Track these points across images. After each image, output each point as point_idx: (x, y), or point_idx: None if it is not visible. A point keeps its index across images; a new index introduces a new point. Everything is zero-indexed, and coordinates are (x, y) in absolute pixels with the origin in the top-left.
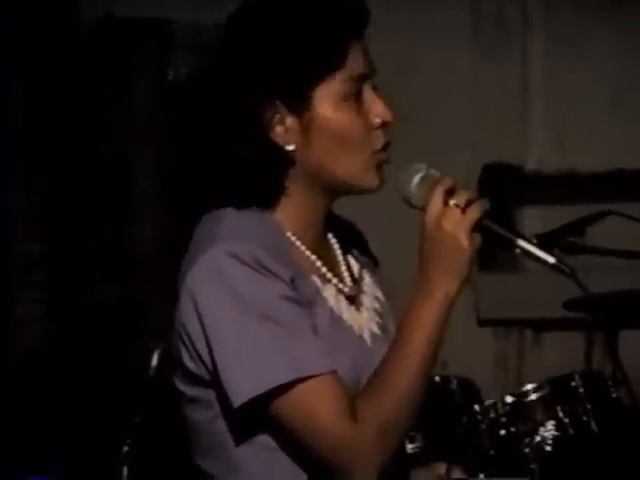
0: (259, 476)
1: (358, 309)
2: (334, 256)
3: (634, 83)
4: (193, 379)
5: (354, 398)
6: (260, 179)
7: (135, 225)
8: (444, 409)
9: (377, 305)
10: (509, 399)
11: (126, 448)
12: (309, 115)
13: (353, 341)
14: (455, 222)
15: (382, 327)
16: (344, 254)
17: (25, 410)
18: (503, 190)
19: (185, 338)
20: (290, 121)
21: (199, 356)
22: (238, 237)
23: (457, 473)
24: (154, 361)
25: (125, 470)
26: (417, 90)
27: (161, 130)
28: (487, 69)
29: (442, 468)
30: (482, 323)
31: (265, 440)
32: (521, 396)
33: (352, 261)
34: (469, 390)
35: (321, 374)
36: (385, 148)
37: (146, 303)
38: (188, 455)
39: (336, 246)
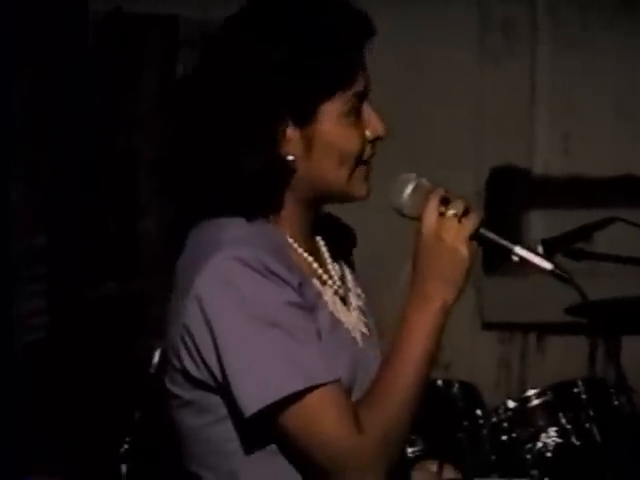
0: None
1: (349, 309)
2: (324, 258)
3: None
4: (193, 382)
5: (356, 407)
6: (263, 189)
7: (140, 220)
8: (445, 413)
9: (360, 303)
10: (511, 404)
11: (125, 446)
12: (312, 128)
13: (349, 342)
14: (453, 232)
15: (367, 326)
16: (331, 255)
17: (25, 405)
18: (510, 194)
19: (189, 342)
20: (292, 132)
21: (204, 362)
22: (245, 242)
23: (449, 472)
24: (155, 358)
25: (124, 468)
26: (424, 94)
27: (166, 126)
28: (494, 73)
29: (434, 466)
30: (486, 327)
31: (268, 448)
32: (523, 401)
33: (337, 261)
34: (471, 394)
35: (328, 383)
36: (368, 161)
37: (149, 298)
38: (180, 459)
39: (324, 248)
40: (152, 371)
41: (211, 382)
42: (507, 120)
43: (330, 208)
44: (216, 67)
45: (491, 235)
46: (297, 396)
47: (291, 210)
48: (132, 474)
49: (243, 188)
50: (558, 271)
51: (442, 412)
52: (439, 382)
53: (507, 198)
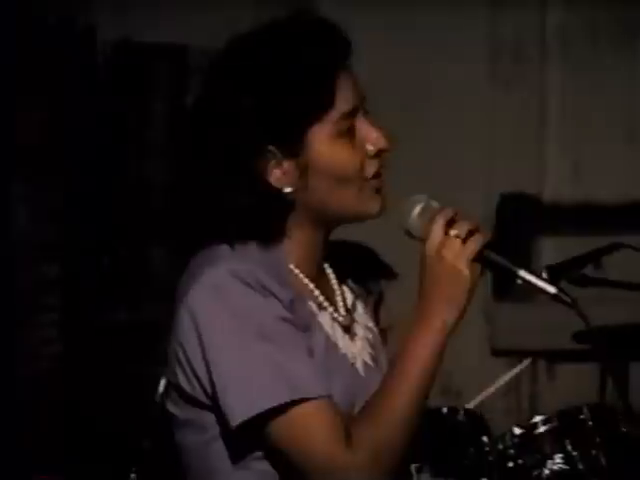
0: None
1: (352, 339)
2: (330, 286)
3: None
4: (188, 401)
5: (349, 423)
6: (260, 223)
7: (150, 247)
8: (451, 440)
9: (370, 335)
10: (517, 431)
11: (133, 475)
12: (305, 157)
13: (347, 369)
14: (455, 252)
15: (374, 358)
16: (339, 284)
17: (35, 433)
18: (520, 220)
19: (182, 358)
20: (287, 164)
21: (196, 377)
22: (239, 258)
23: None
24: (161, 387)
25: None
26: (433, 119)
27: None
28: (504, 98)
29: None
30: (496, 353)
31: (261, 465)
32: (530, 428)
33: (347, 291)
34: (476, 421)
35: (317, 397)
36: (377, 175)
37: (158, 326)
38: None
39: (332, 276)
40: (158, 399)
41: (204, 398)
42: (517, 145)
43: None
44: (201, 110)
45: (495, 257)
46: (284, 409)
47: (295, 239)
48: None
49: (238, 220)
50: (562, 295)
51: (448, 439)
52: (444, 409)
53: (517, 224)
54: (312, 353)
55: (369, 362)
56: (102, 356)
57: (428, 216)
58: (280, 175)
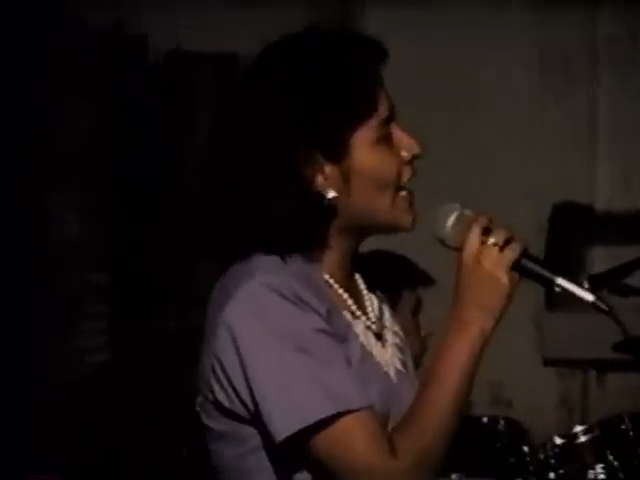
0: None
1: (383, 345)
2: (360, 293)
3: None
4: (225, 414)
5: (390, 433)
6: (303, 230)
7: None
8: (491, 450)
9: (397, 340)
10: (558, 441)
11: None
12: (347, 162)
13: (381, 377)
14: (493, 260)
15: (403, 363)
16: (368, 291)
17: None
18: (572, 230)
19: (219, 371)
20: (329, 170)
21: (234, 391)
22: (275, 271)
23: None
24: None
25: None
26: (483, 130)
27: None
28: (554, 108)
29: None
30: (547, 363)
31: (300, 477)
32: (571, 438)
33: (374, 298)
34: (517, 431)
35: (359, 408)
36: (407, 185)
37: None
38: None
39: (361, 284)
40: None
41: (242, 412)
42: (568, 155)
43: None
44: (242, 116)
45: (532, 265)
46: (328, 421)
47: (332, 246)
48: None
49: (281, 231)
50: (599, 303)
51: (488, 449)
52: (484, 419)
53: (569, 234)
54: (350, 363)
55: (400, 368)
56: (149, 363)
57: (463, 225)
58: (323, 180)
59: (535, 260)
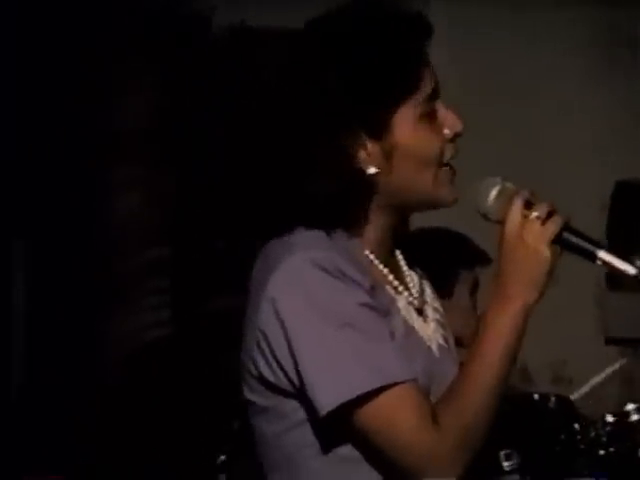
0: None
1: (425, 320)
2: (401, 269)
3: None
4: (269, 388)
5: (434, 405)
6: (344, 206)
7: None
8: (542, 427)
9: (438, 316)
10: (610, 419)
11: (223, 457)
12: (390, 139)
13: (424, 351)
14: (535, 234)
15: (445, 338)
16: (409, 268)
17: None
18: (635, 208)
19: (264, 346)
20: (372, 146)
21: (279, 365)
22: (317, 246)
23: None
24: None
25: (222, 478)
26: (550, 108)
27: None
28: (620, 87)
29: None
30: (609, 342)
31: (344, 452)
32: (622, 416)
33: (414, 275)
34: (568, 409)
35: (404, 381)
36: (451, 161)
37: None
38: (260, 468)
39: (402, 260)
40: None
41: (287, 386)
42: (632, 133)
43: None
44: (285, 92)
45: (575, 239)
46: (373, 395)
47: (372, 222)
48: None
49: (322, 207)
50: None
51: (538, 426)
52: (536, 396)
53: (632, 212)
54: (394, 338)
55: (442, 343)
56: (210, 339)
57: (505, 198)
58: (365, 157)
59: (577, 233)
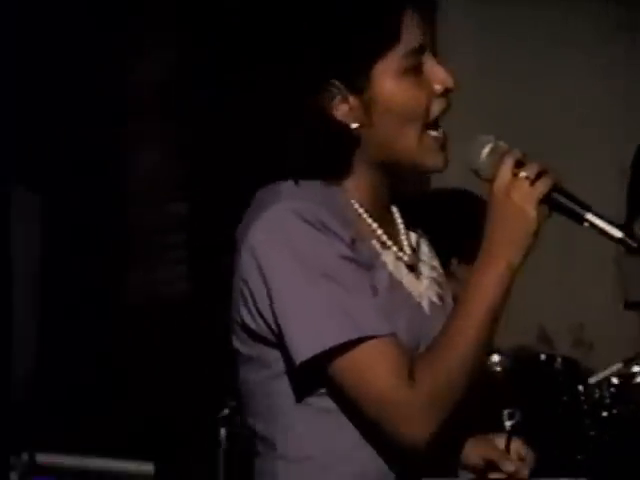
0: (316, 438)
1: (417, 277)
2: (395, 226)
3: None
4: (252, 337)
5: (413, 361)
6: (325, 158)
7: None
8: (546, 388)
9: (435, 275)
10: (615, 381)
11: (226, 410)
12: (371, 93)
13: (411, 307)
14: (523, 193)
15: (440, 297)
16: (406, 227)
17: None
18: None
19: (247, 294)
20: (353, 100)
21: (259, 313)
22: (301, 196)
23: (519, 448)
24: None
25: (223, 432)
26: (563, 75)
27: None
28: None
29: (501, 441)
30: (629, 306)
31: (322, 402)
32: (627, 377)
33: (412, 233)
34: (573, 370)
35: (381, 335)
36: (435, 125)
37: None
38: (243, 417)
39: (398, 218)
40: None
41: (268, 334)
42: None
43: None
44: (268, 47)
45: (563, 200)
46: (348, 346)
47: (361, 176)
48: (230, 438)
49: (304, 159)
50: (627, 240)
51: (543, 386)
52: (542, 356)
53: None
54: (375, 291)
55: (435, 300)
56: (226, 295)
57: (497, 156)
58: (346, 110)
59: (566, 195)
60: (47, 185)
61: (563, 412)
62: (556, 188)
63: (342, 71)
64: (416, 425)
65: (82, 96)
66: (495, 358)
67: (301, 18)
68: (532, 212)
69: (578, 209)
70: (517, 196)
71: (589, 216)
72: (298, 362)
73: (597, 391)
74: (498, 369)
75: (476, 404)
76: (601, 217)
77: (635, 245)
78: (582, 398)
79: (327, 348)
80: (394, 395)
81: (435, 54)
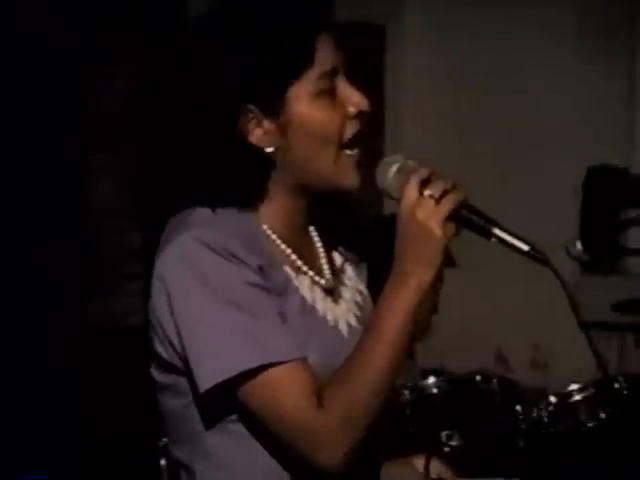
0: (232, 464)
1: (336, 301)
2: (314, 250)
3: None
4: (165, 366)
5: (323, 385)
6: (240, 183)
7: None
8: (483, 408)
9: (358, 298)
10: (553, 399)
11: (165, 439)
12: (285, 116)
13: (326, 330)
14: (427, 212)
15: (361, 320)
16: (327, 250)
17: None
18: (607, 193)
19: (156, 323)
20: (267, 124)
21: (169, 342)
22: (207, 225)
23: (438, 469)
24: None
25: (163, 462)
26: (522, 92)
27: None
28: (593, 74)
29: (420, 462)
30: (583, 326)
31: (236, 428)
32: (565, 396)
33: (335, 255)
34: (510, 390)
35: (287, 360)
36: (355, 143)
37: None
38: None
39: (318, 242)
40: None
41: (178, 362)
42: (605, 120)
43: None
44: (183, 70)
45: (470, 216)
46: (255, 373)
47: (276, 201)
48: (171, 468)
49: (217, 180)
50: (534, 253)
51: (480, 407)
52: (478, 378)
53: (604, 197)
54: (285, 317)
55: (354, 324)
56: None
57: (404, 176)
58: (261, 135)
59: (474, 211)
60: (1, 216)
61: (500, 432)
62: (463, 205)
63: (257, 95)
64: (328, 447)
65: (37, 129)
66: (431, 380)
67: (216, 42)
68: (437, 230)
69: (485, 225)
70: (422, 215)
71: (496, 231)
72: (202, 390)
73: (535, 410)
74: (434, 391)
75: (389, 426)
76: (508, 232)
77: (542, 258)
78: (520, 417)
79: (233, 375)
80: (304, 417)
81: (347, 77)
